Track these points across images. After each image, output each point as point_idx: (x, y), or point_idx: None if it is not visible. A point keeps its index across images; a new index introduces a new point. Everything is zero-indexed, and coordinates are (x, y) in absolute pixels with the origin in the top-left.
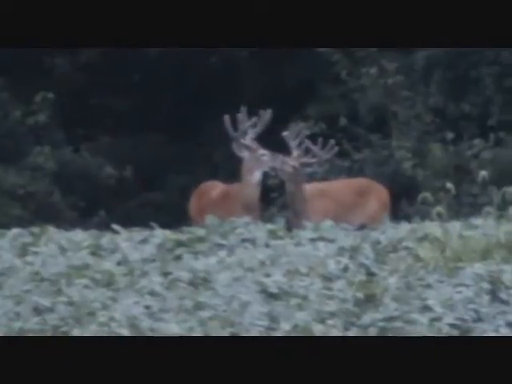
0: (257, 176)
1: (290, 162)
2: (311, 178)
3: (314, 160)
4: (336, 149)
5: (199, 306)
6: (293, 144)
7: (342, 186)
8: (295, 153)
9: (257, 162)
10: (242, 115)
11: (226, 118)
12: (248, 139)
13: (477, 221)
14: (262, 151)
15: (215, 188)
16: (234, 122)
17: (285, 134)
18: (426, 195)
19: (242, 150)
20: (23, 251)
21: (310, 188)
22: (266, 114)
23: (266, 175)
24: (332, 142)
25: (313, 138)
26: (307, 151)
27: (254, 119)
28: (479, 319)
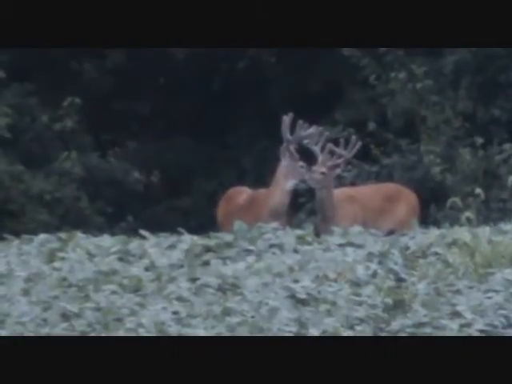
0: (291, 184)
1: (318, 169)
2: (340, 183)
3: (340, 160)
4: (359, 143)
5: (227, 312)
6: (316, 149)
7: (370, 192)
8: (320, 158)
9: (293, 172)
10: (302, 123)
11: (285, 118)
12: (293, 147)
13: (506, 226)
14: (301, 163)
15: (242, 193)
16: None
17: (306, 141)
18: (455, 200)
19: (284, 155)
20: (51, 257)
21: (338, 193)
22: (323, 132)
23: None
24: (354, 138)
25: (335, 141)
26: (332, 154)
27: (312, 129)
28: (509, 325)
